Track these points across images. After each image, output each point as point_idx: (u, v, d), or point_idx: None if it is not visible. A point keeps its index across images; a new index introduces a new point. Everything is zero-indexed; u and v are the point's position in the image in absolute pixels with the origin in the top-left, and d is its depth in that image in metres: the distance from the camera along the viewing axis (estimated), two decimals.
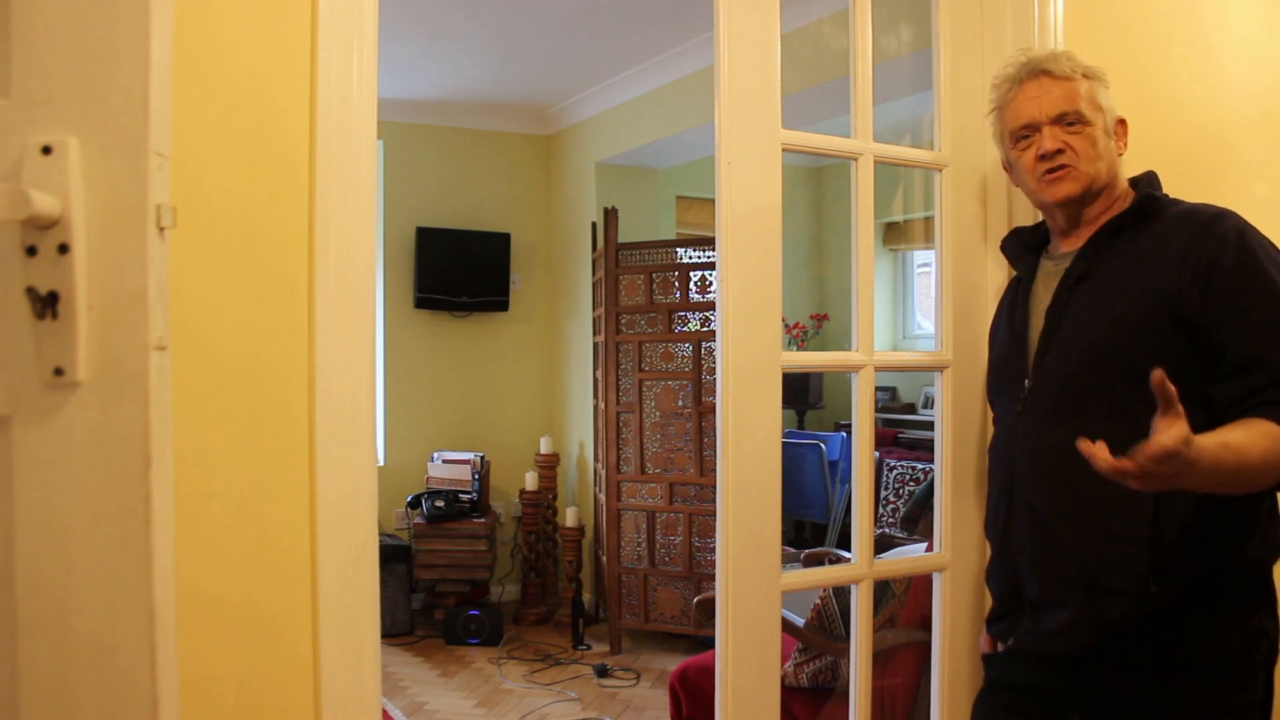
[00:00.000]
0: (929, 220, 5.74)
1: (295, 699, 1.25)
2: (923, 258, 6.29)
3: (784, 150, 1.62)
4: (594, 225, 4.84)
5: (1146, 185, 1.50)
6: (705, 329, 4.34)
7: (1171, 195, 1.49)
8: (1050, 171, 1.46)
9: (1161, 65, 1.95)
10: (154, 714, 0.81)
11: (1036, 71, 1.48)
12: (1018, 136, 1.50)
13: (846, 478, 5.09)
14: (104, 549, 0.82)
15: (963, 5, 1.83)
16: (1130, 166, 1.54)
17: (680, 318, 4.38)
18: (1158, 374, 1.11)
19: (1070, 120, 1.45)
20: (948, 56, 1.82)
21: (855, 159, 1.70)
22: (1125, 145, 1.50)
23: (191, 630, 1.11)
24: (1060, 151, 1.45)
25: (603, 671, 4.17)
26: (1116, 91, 1.51)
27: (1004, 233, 1.72)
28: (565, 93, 4.97)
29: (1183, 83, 1.97)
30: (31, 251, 0.82)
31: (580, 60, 4.46)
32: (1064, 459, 1.37)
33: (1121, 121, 1.50)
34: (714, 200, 1.60)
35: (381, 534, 4.02)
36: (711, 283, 4.30)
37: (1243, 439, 1.26)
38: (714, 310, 4.47)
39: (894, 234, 6.32)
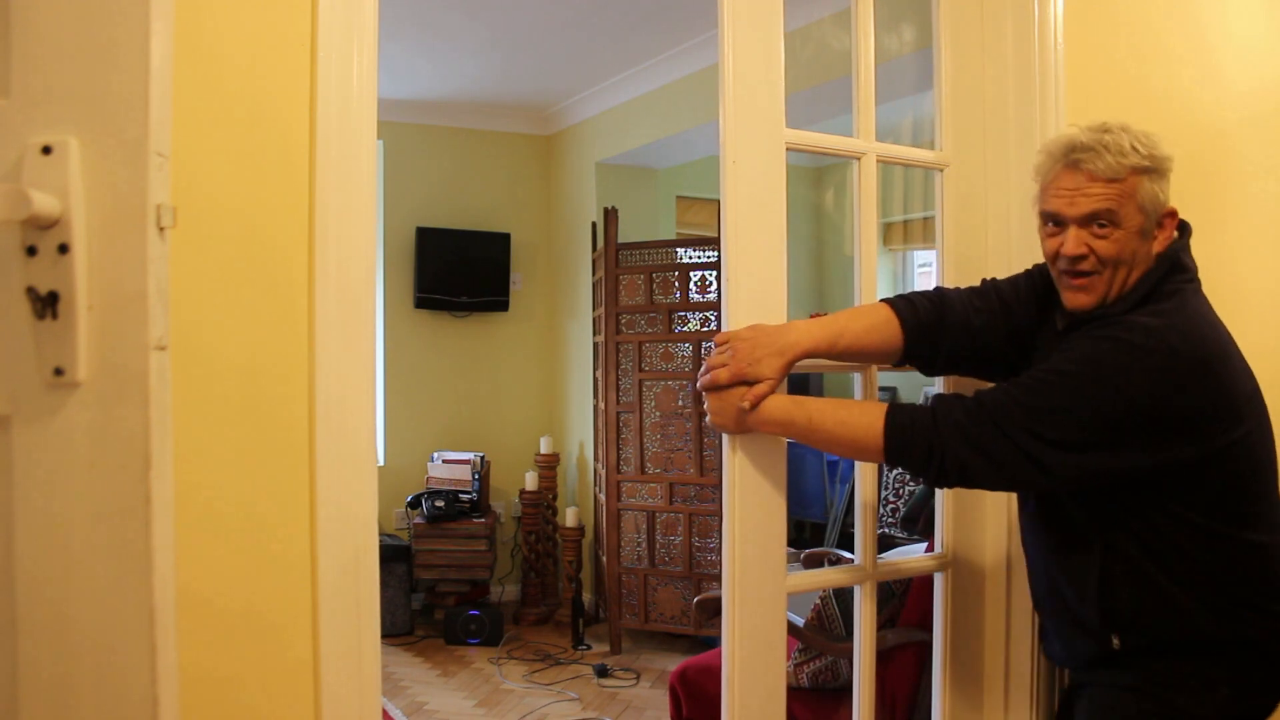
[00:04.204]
0: (929, 220, 5.74)
1: (295, 699, 1.25)
2: (923, 258, 6.29)
3: (787, 149, 1.62)
4: (594, 225, 4.84)
5: (1157, 272, 1.35)
6: (705, 329, 4.34)
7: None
8: (1070, 275, 1.36)
9: (1161, 65, 1.95)
10: (154, 714, 0.81)
11: (1075, 163, 1.33)
12: (1046, 218, 1.39)
13: (846, 478, 5.09)
14: (104, 549, 0.82)
15: (963, 5, 1.83)
16: None
17: (680, 318, 4.38)
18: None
19: (1102, 221, 1.32)
20: (949, 56, 1.82)
21: (858, 158, 1.70)
22: (1171, 234, 1.35)
23: (191, 631, 1.10)
24: (1083, 258, 1.33)
25: (603, 671, 4.16)
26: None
27: (1005, 233, 1.72)
28: (565, 93, 4.97)
29: (1183, 82, 1.97)
30: (31, 251, 0.82)
31: (580, 60, 4.45)
32: (1044, 502, 1.47)
33: (1170, 214, 1.35)
34: (714, 200, 1.60)
35: (381, 534, 4.01)
36: (712, 283, 4.30)
37: (829, 406, 1.41)
38: (714, 310, 4.46)
39: (894, 234, 6.31)
